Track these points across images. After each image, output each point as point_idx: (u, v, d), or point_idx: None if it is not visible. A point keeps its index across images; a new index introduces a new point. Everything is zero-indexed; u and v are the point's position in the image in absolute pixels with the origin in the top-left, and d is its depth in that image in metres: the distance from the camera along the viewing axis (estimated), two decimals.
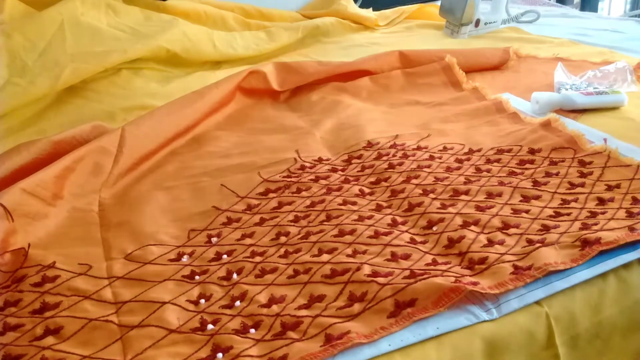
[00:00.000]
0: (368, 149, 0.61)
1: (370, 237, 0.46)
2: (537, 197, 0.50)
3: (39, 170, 0.54)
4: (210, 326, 0.38)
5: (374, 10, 1.20)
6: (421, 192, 0.52)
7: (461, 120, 0.68)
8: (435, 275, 0.40)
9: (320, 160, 0.61)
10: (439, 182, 0.53)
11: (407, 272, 0.41)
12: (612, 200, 0.49)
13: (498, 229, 0.46)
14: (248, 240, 0.47)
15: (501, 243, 0.44)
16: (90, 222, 0.52)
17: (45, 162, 0.56)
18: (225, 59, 0.96)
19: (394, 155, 0.59)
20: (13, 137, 0.69)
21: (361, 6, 1.23)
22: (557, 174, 0.53)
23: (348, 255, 0.44)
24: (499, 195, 0.50)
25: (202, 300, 0.41)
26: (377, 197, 0.52)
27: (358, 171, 0.58)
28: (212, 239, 0.48)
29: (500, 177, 0.53)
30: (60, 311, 0.41)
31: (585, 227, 0.45)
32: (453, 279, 0.39)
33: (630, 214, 0.46)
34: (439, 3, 1.12)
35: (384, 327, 0.36)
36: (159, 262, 0.46)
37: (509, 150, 0.58)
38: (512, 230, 0.45)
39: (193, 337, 0.37)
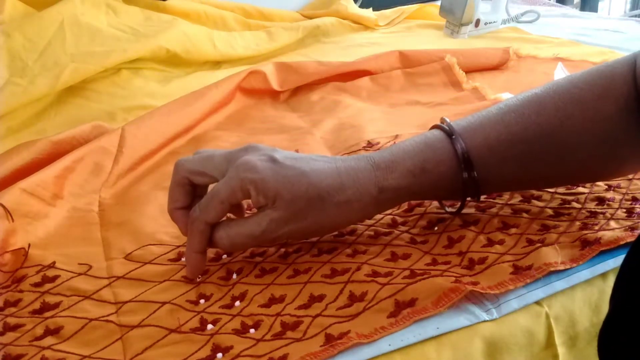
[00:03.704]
0: (368, 148, 0.61)
1: (370, 237, 0.46)
2: (537, 197, 0.50)
3: (39, 170, 0.54)
4: (210, 326, 0.38)
5: (374, 10, 1.20)
6: None
7: None
8: (435, 275, 0.40)
9: None
10: None
11: (407, 272, 0.41)
12: (612, 200, 0.49)
13: (498, 229, 0.46)
14: None
15: (501, 243, 0.44)
16: (90, 222, 0.52)
17: (45, 162, 0.56)
18: (225, 59, 0.96)
19: None
20: (13, 137, 0.69)
21: (361, 6, 1.23)
22: None
23: (348, 255, 0.44)
24: (499, 195, 0.50)
25: (202, 300, 0.41)
26: None
27: None
28: None
29: None
30: (60, 311, 0.41)
31: (585, 227, 0.45)
32: (453, 279, 0.39)
33: (630, 214, 0.46)
34: (439, 3, 1.12)
35: (384, 327, 0.36)
36: (159, 262, 0.46)
37: None
38: (512, 230, 0.45)
39: (193, 337, 0.37)
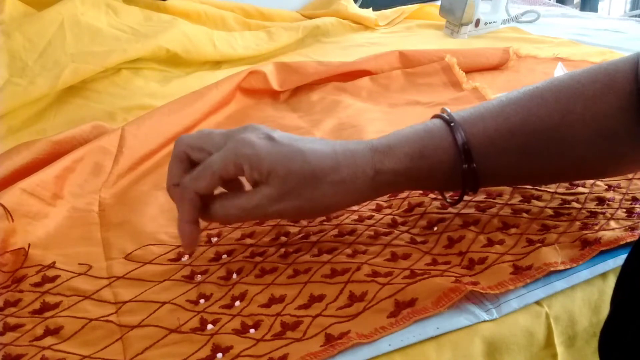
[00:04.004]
0: None
1: (371, 237, 0.46)
2: (537, 197, 0.50)
3: (39, 170, 0.54)
4: (210, 326, 0.38)
5: (374, 10, 1.21)
6: (421, 191, 0.52)
7: None
8: (435, 275, 0.40)
9: None
10: None
11: (407, 272, 0.41)
12: (612, 200, 0.49)
13: (498, 229, 0.46)
14: (248, 240, 0.47)
15: (501, 243, 0.44)
16: (90, 222, 0.52)
17: (45, 162, 0.56)
18: (225, 59, 0.96)
19: None
20: (13, 137, 0.69)
21: (361, 6, 1.23)
22: None
23: (348, 255, 0.44)
24: (499, 195, 0.51)
25: (202, 300, 0.41)
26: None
27: None
28: (212, 238, 0.48)
29: None
30: (61, 311, 0.41)
31: (585, 227, 0.45)
32: (453, 278, 0.39)
33: (630, 214, 0.46)
34: (439, 3, 1.12)
35: (384, 327, 0.36)
36: (159, 262, 0.46)
37: None
38: (512, 230, 0.45)
39: (193, 337, 0.37)
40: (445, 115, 0.45)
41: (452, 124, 0.44)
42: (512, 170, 0.46)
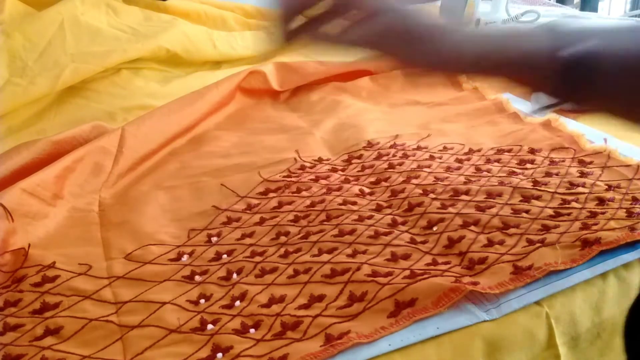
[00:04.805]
0: (368, 149, 0.61)
1: (370, 237, 0.46)
2: (537, 197, 0.50)
3: (39, 170, 0.54)
4: (210, 326, 0.38)
5: None
6: (421, 192, 0.52)
7: (461, 120, 0.68)
8: (435, 275, 0.40)
9: (320, 160, 0.61)
10: (439, 182, 0.53)
11: (407, 272, 0.41)
12: (612, 200, 0.49)
13: (498, 229, 0.46)
14: (248, 240, 0.47)
15: (501, 243, 0.44)
16: (90, 222, 0.52)
17: (45, 162, 0.56)
18: (225, 59, 0.96)
19: (394, 155, 0.59)
20: (13, 137, 0.69)
21: None
22: (557, 174, 0.53)
23: (348, 255, 0.44)
24: (499, 195, 0.51)
25: (202, 300, 0.41)
26: (377, 197, 0.52)
27: (358, 171, 0.58)
28: (212, 238, 0.48)
29: (500, 177, 0.53)
30: (61, 311, 0.41)
31: (585, 227, 0.45)
32: (453, 279, 0.39)
33: (630, 214, 0.46)
34: (439, 3, 1.12)
35: (384, 327, 0.36)
36: (159, 262, 0.46)
37: (509, 150, 0.58)
38: (512, 230, 0.45)
39: (193, 337, 0.37)
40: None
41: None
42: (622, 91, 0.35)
